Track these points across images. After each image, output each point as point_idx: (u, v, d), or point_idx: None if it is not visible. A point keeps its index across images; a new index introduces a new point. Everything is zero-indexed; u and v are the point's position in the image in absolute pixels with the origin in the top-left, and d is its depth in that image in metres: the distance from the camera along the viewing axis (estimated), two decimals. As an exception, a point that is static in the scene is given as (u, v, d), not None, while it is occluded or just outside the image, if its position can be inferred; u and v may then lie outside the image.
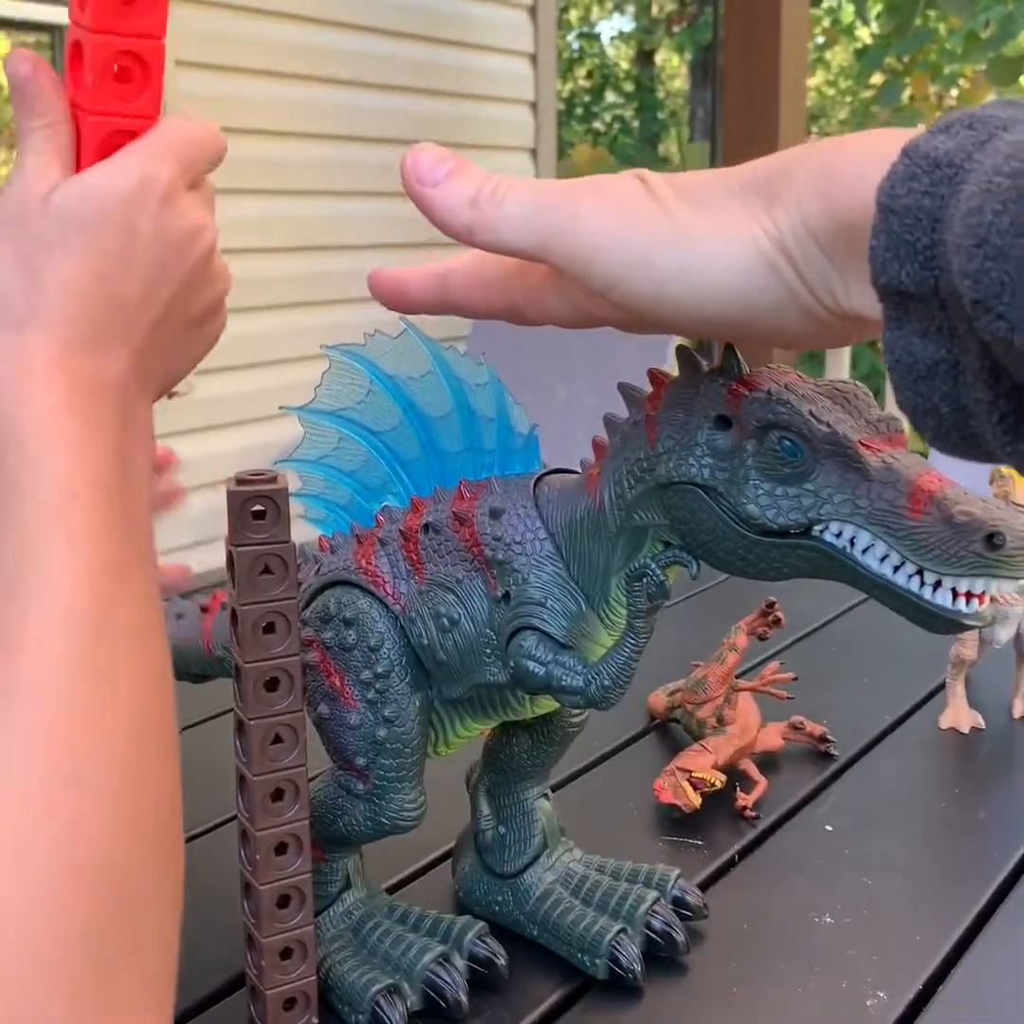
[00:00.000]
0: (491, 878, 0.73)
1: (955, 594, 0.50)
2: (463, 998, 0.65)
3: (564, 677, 0.59)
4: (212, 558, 0.82)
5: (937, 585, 0.50)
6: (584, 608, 0.60)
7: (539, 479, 0.64)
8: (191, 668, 0.76)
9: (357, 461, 0.67)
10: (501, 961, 0.67)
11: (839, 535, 0.52)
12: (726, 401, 0.54)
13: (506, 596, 0.61)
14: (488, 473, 0.65)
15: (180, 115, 0.56)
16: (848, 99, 7.64)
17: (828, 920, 0.73)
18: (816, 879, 0.78)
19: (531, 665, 0.60)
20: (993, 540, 0.48)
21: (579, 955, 0.69)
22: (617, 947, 0.68)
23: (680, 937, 0.69)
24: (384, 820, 0.65)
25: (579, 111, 9.07)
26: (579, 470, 0.63)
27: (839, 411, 0.53)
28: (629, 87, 9.49)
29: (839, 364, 3.03)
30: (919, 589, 0.50)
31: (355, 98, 2.86)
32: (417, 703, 0.64)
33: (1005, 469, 0.93)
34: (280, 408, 0.69)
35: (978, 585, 0.50)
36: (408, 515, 0.66)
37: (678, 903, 0.72)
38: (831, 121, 8.09)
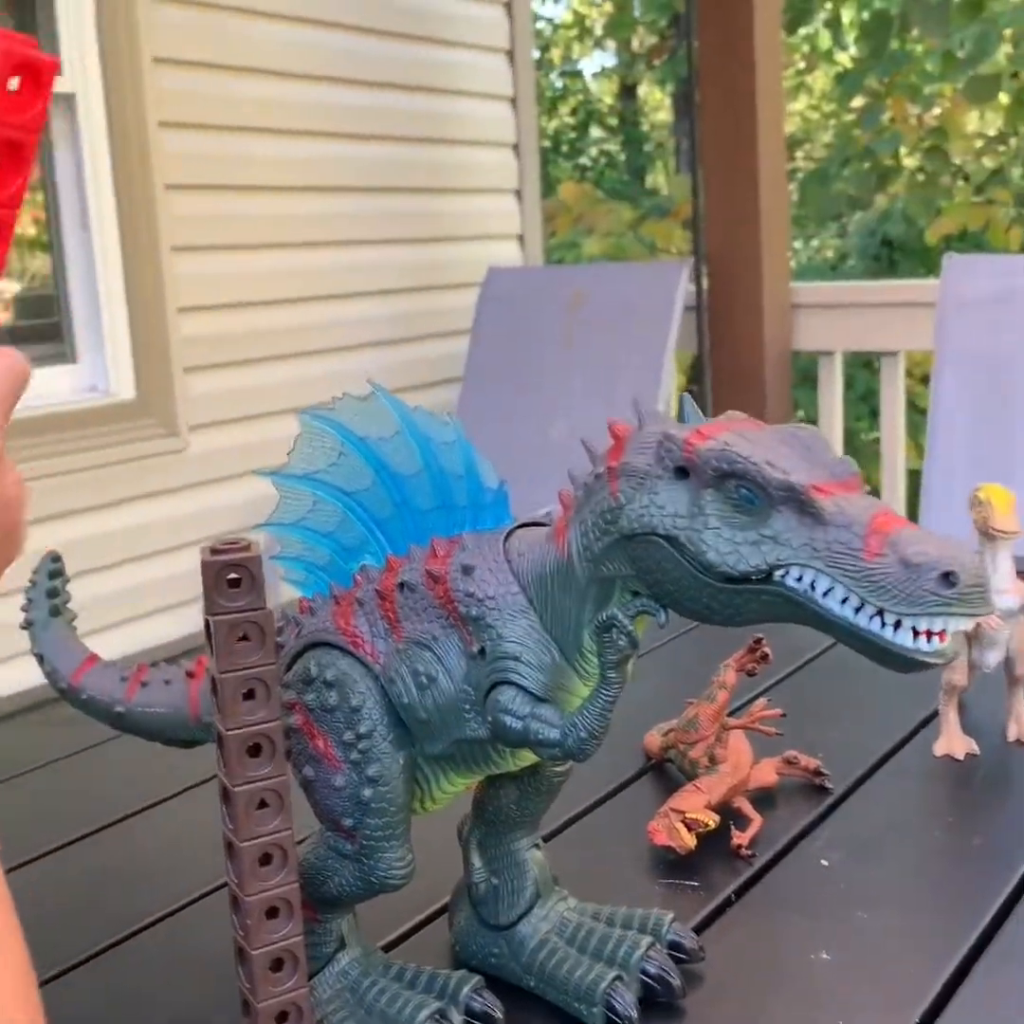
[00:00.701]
0: (486, 930, 0.73)
1: (915, 633, 0.51)
2: None
3: (541, 731, 0.60)
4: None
5: (897, 625, 0.51)
6: (559, 660, 0.61)
7: (509, 533, 0.65)
8: (179, 735, 0.76)
9: (333, 522, 0.68)
10: (498, 1014, 0.67)
11: (799, 579, 0.53)
12: (683, 452, 0.55)
13: (482, 652, 0.61)
14: (460, 529, 0.66)
15: None
16: (832, 122, 7.69)
17: (825, 956, 0.73)
18: (812, 915, 0.78)
19: (508, 720, 0.60)
20: (949, 579, 0.49)
21: (575, 1004, 0.69)
22: (612, 995, 0.68)
23: (676, 981, 0.69)
24: (373, 879, 0.65)
25: (565, 148, 9.15)
26: (547, 523, 0.64)
27: (794, 457, 0.54)
28: (613, 122, 9.57)
29: (831, 385, 3.04)
30: (880, 629, 0.51)
31: (336, 149, 2.88)
32: (401, 761, 0.65)
33: (983, 494, 0.94)
34: (253, 473, 0.70)
35: (937, 624, 0.50)
36: (384, 574, 0.66)
37: (674, 946, 0.72)
38: (817, 146, 8.14)
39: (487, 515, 0.67)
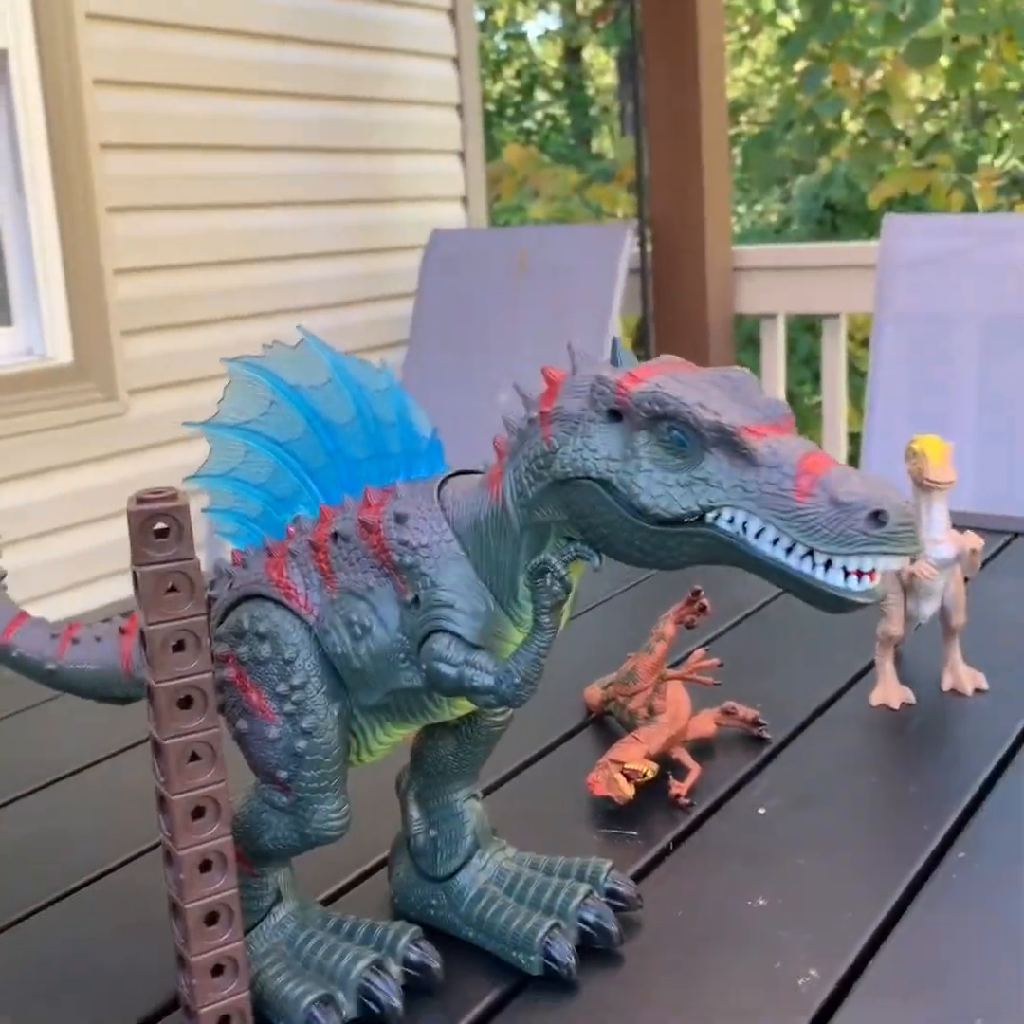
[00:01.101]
0: (425, 882, 0.73)
1: (846, 573, 0.51)
2: (398, 1004, 0.65)
3: (475, 677, 0.59)
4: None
5: (828, 565, 0.51)
6: (493, 608, 0.61)
7: (443, 481, 0.64)
8: (112, 691, 0.75)
9: (265, 473, 0.67)
10: (435, 965, 0.67)
11: (731, 521, 0.53)
12: (615, 395, 0.55)
13: (416, 600, 0.61)
14: (394, 478, 0.65)
15: None
16: (775, 87, 7.70)
17: (762, 902, 0.74)
18: (750, 862, 0.78)
19: (443, 667, 0.60)
20: (878, 517, 0.49)
21: (513, 953, 0.69)
22: (550, 943, 0.68)
23: (613, 929, 0.70)
24: (309, 831, 0.65)
25: (510, 112, 9.08)
26: (482, 471, 0.63)
27: (725, 399, 0.54)
28: (558, 85, 9.51)
29: (774, 347, 3.05)
30: (811, 570, 0.51)
31: (275, 109, 2.85)
32: (335, 713, 0.64)
33: (917, 446, 0.94)
34: (183, 424, 0.69)
35: (867, 563, 0.51)
36: (317, 525, 0.66)
37: (612, 895, 0.72)
38: (760, 110, 8.15)
39: (421, 464, 0.66)
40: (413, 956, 0.67)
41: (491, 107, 7.43)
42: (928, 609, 1.00)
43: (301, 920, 0.69)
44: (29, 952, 0.75)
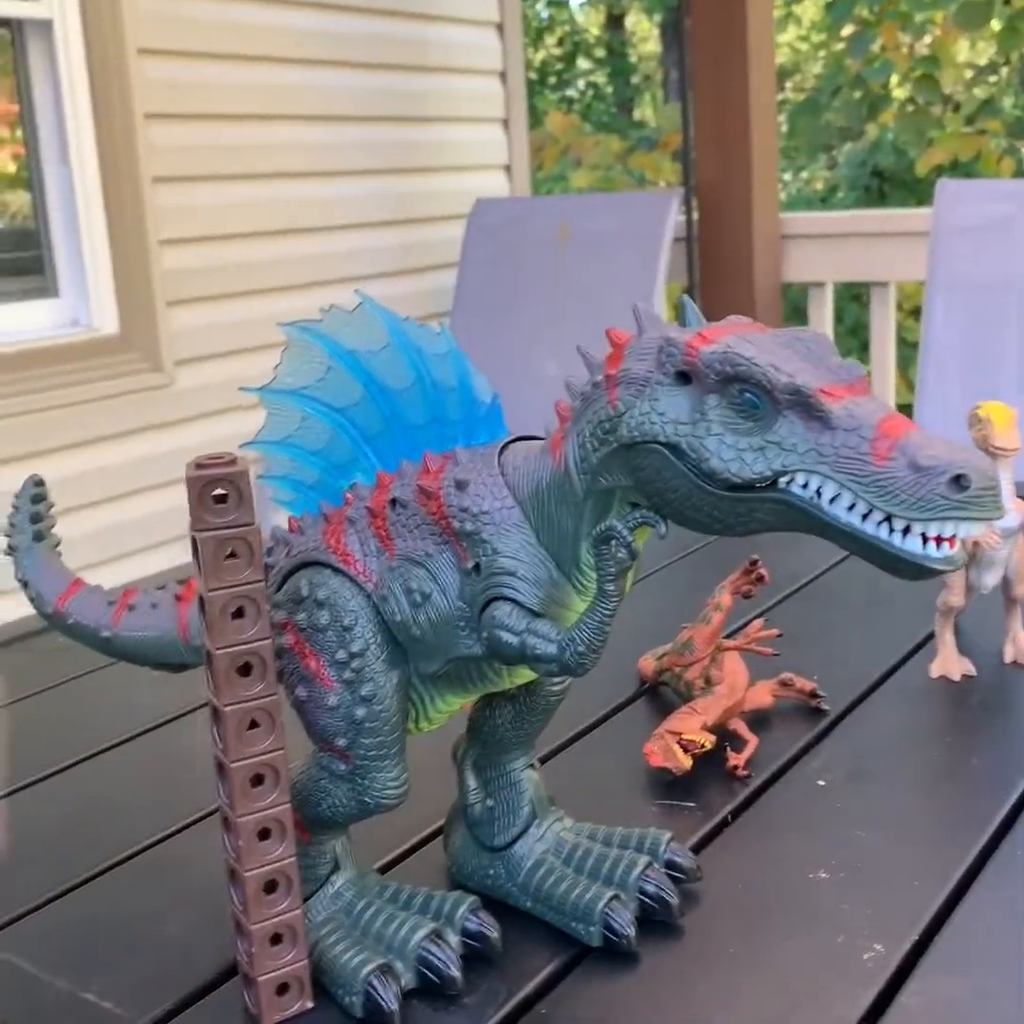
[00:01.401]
0: (482, 852, 0.73)
1: (925, 539, 0.50)
2: (457, 973, 0.64)
3: (538, 646, 0.58)
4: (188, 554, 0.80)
5: (906, 531, 0.50)
6: (555, 575, 0.60)
7: (504, 447, 0.63)
8: (168, 658, 0.75)
9: (322, 439, 0.66)
10: (494, 934, 0.67)
11: (805, 486, 0.51)
12: (684, 356, 0.53)
13: (476, 567, 0.60)
14: (453, 444, 0.64)
15: None
16: (821, 53, 7.59)
17: (823, 875, 0.73)
18: (810, 835, 0.77)
19: (504, 635, 0.59)
20: (960, 482, 0.48)
21: (573, 924, 0.68)
22: (610, 914, 0.67)
23: (673, 900, 0.69)
24: (367, 799, 0.64)
25: (552, 80, 9.01)
26: (543, 437, 0.62)
27: (798, 360, 0.52)
28: (600, 53, 9.42)
29: (821, 316, 3.02)
30: (888, 536, 0.50)
31: (319, 77, 2.83)
32: (394, 680, 0.64)
33: (982, 412, 0.92)
34: (239, 389, 0.68)
35: (947, 529, 0.49)
36: (375, 492, 0.65)
37: (671, 866, 0.71)
38: (807, 77, 8.04)
39: (481, 429, 0.65)
40: (471, 926, 0.67)
41: (533, 76, 7.37)
42: (991, 579, 0.98)
43: (359, 889, 0.69)
44: (89, 918, 0.75)
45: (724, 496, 0.53)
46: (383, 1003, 0.63)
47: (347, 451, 0.66)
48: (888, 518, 0.50)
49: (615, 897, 0.68)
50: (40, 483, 0.80)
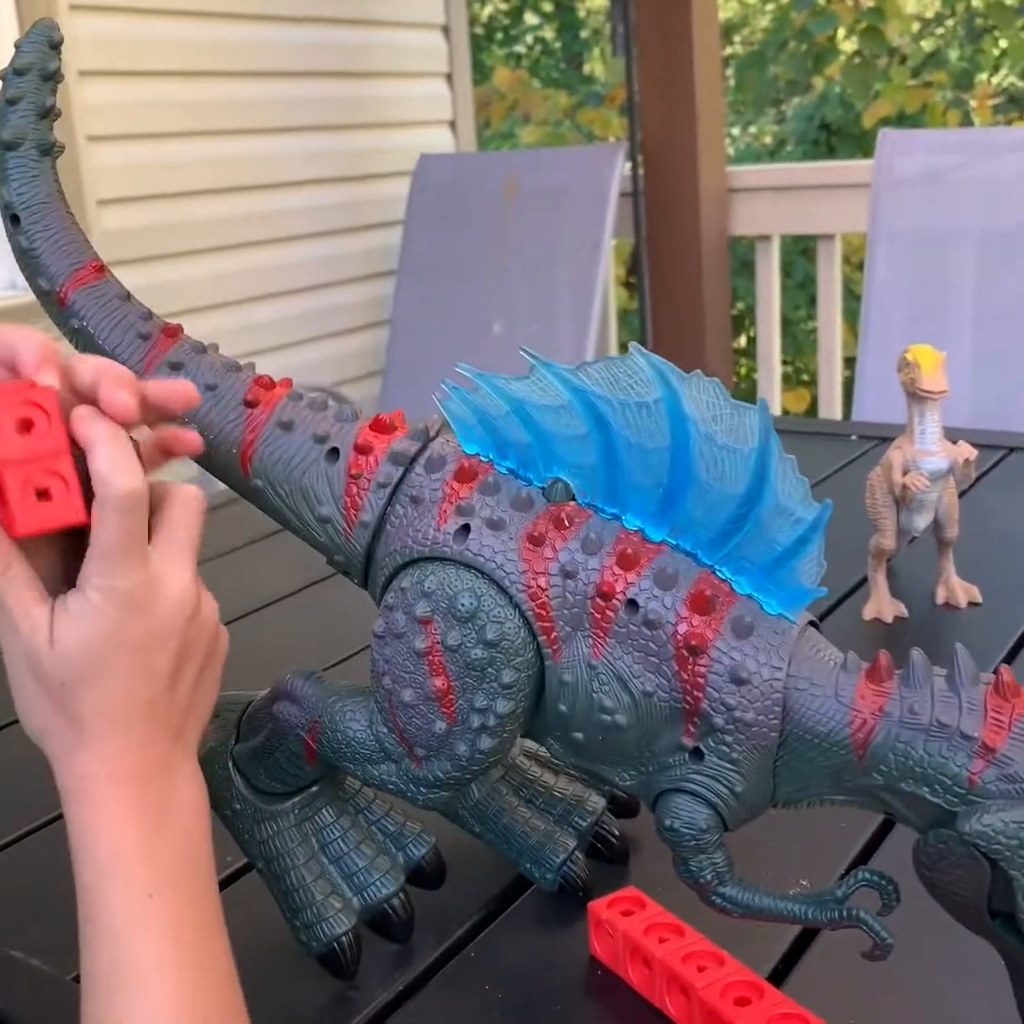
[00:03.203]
0: None
1: None
2: (406, 934, 0.65)
3: (702, 871, 0.55)
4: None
5: None
6: (766, 802, 0.56)
7: (800, 636, 0.54)
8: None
9: (568, 430, 0.55)
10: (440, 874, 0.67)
11: None
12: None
13: (697, 753, 0.54)
14: (734, 570, 0.54)
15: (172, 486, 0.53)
16: (769, 6, 7.55)
17: (754, 815, 0.74)
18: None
19: (684, 840, 0.55)
20: None
21: (528, 865, 0.68)
22: (571, 864, 0.68)
23: (620, 846, 0.71)
24: (409, 794, 0.60)
25: (499, 36, 8.91)
26: (830, 644, 0.55)
27: None
28: (548, 8, 9.33)
29: (768, 270, 3.02)
30: None
31: (257, 33, 2.79)
32: (515, 738, 0.59)
33: (910, 356, 0.93)
34: (522, 349, 0.56)
35: None
36: (614, 562, 0.54)
37: (613, 800, 0.72)
38: (754, 31, 8.00)
39: (774, 580, 0.53)
40: (420, 863, 0.67)
41: (479, 31, 7.29)
42: (921, 522, 0.99)
43: (337, 809, 0.66)
44: (15, 877, 0.75)
45: (987, 922, 0.51)
46: (343, 965, 0.63)
47: (585, 460, 0.55)
48: None
49: (575, 850, 0.68)
50: (56, 27, 0.63)
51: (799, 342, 5.09)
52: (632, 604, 0.54)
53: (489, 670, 0.55)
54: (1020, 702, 0.51)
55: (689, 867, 0.56)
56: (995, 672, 0.52)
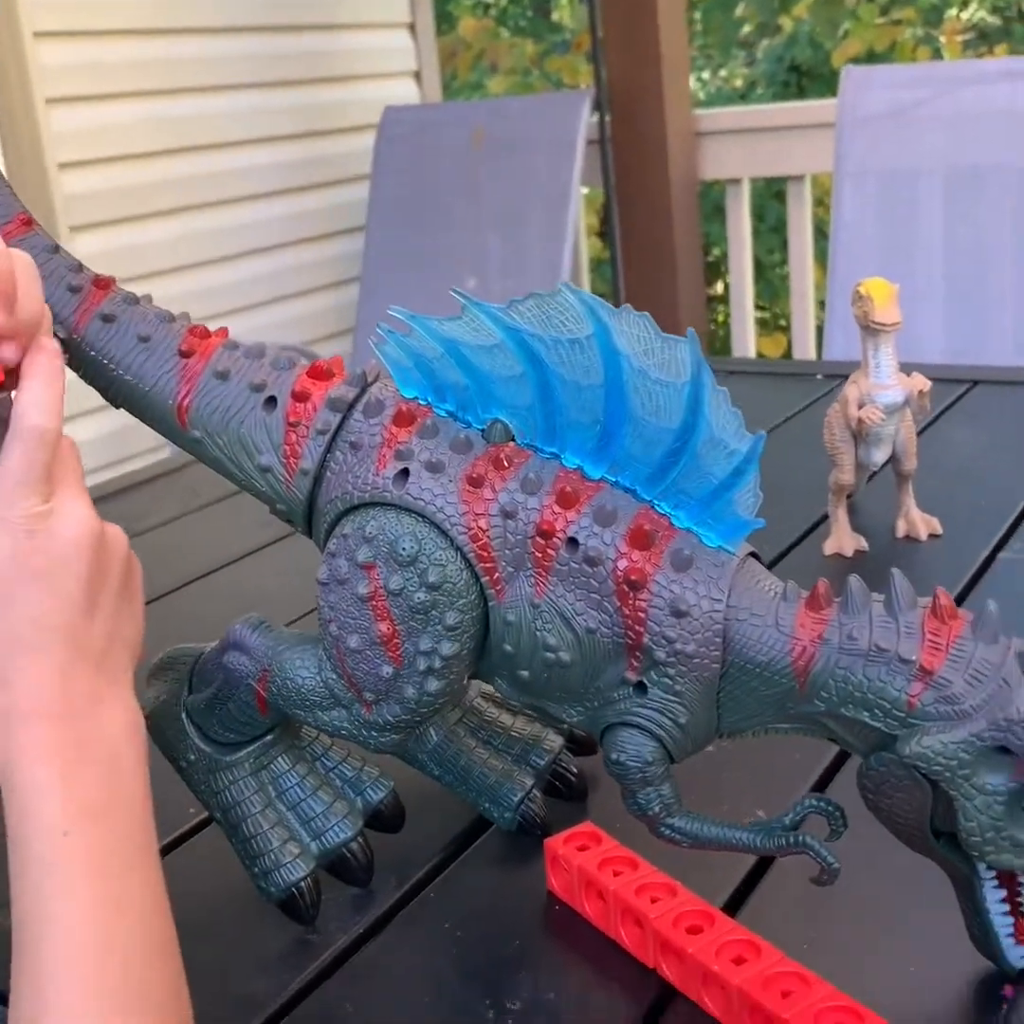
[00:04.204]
0: None
1: None
2: (366, 879, 0.66)
3: (652, 803, 0.56)
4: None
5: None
6: (712, 732, 0.56)
7: (739, 567, 0.54)
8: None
9: (502, 371, 0.55)
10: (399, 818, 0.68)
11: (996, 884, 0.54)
12: None
13: (641, 686, 0.55)
14: (673, 504, 0.54)
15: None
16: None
17: (708, 748, 0.74)
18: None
19: (631, 772, 0.55)
20: None
21: (486, 804, 0.69)
22: (529, 803, 0.68)
23: (579, 784, 0.71)
24: (362, 739, 0.60)
25: (465, -15, 8.79)
26: (768, 569, 0.55)
27: None
28: (514, -45, 9.20)
29: (739, 214, 3.00)
30: (1008, 935, 0.55)
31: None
32: (463, 680, 0.59)
33: (863, 289, 0.93)
34: (453, 291, 0.56)
35: None
36: (553, 501, 0.54)
37: (572, 739, 0.73)
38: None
39: (711, 511, 0.53)
40: (384, 813, 0.67)
41: (445, -19, 7.19)
42: (879, 456, 0.99)
43: (294, 757, 0.66)
44: None
45: (928, 835, 0.52)
46: (303, 909, 0.64)
47: (523, 399, 0.55)
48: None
49: (532, 788, 0.69)
50: None
51: (775, 287, 5.07)
52: (572, 542, 0.54)
53: (433, 613, 0.55)
54: (957, 625, 0.51)
55: (637, 800, 0.56)
56: (933, 596, 0.52)
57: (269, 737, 0.65)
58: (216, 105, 2.79)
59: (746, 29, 5.95)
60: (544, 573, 0.54)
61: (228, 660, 0.62)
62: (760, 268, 4.85)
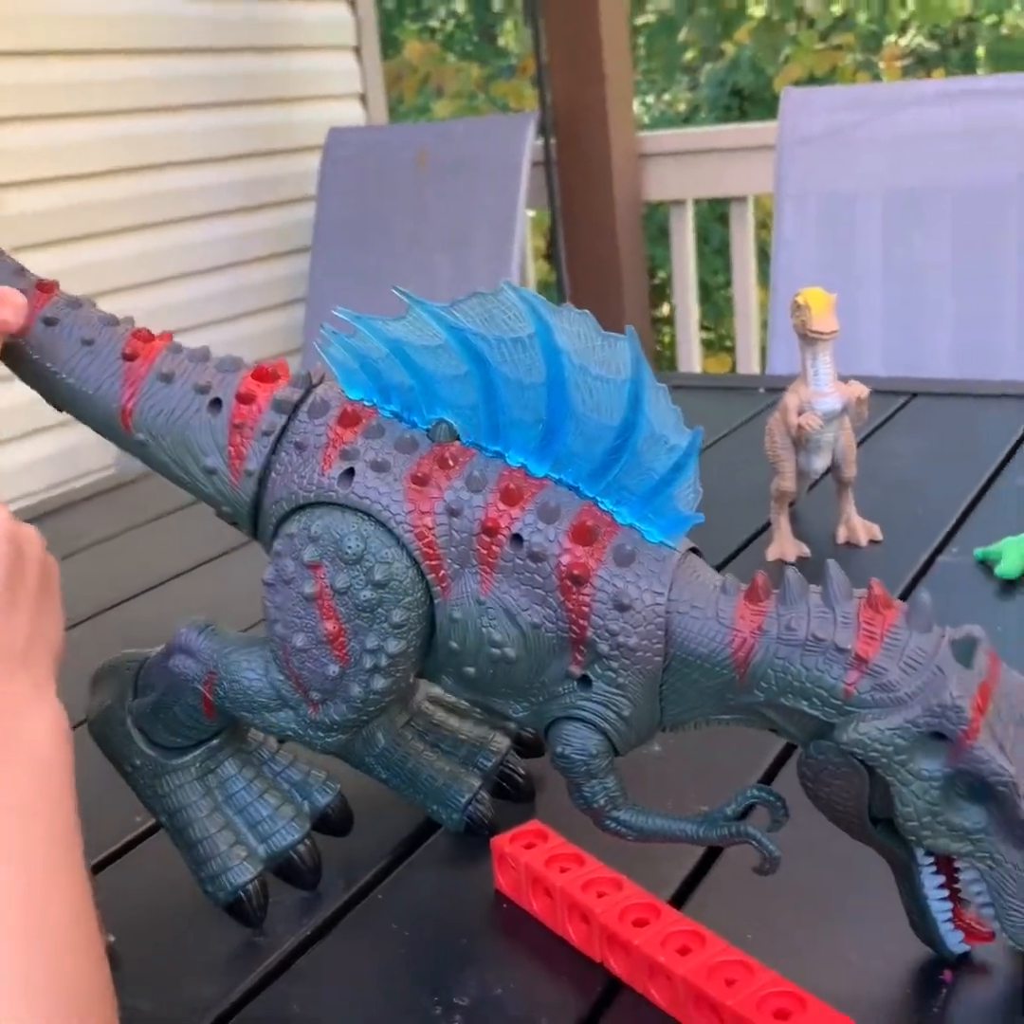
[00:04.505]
0: None
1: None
2: (314, 881, 0.66)
3: (597, 796, 0.56)
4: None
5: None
6: (655, 724, 0.57)
7: (680, 562, 0.54)
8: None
9: (446, 370, 0.56)
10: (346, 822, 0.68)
11: (934, 870, 0.55)
12: (959, 737, 0.50)
13: (585, 680, 0.55)
14: (615, 500, 0.55)
15: None
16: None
17: (656, 749, 0.75)
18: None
19: (576, 766, 0.56)
20: None
21: (434, 807, 0.69)
22: (476, 804, 0.69)
23: (526, 785, 0.72)
24: (309, 740, 0.60)
25: (411, 9, 8.84)
26: (710, 568, 0.56)
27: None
28: (459, -19, 9.26)
29: (683, 235, 3.03)
30: (944, 924, 0.56)
31: (158, 7, 2.75)
32: (410, 678, 0.59)
33: (801, 298, 0.94)
34: (394, 288, 0.57)
35: None
36: (497, 499, 0.55)
37: (519, 741, 0.73)
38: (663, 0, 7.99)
39: (653, 505, 0.54)
40: (326, 810, 0.67)
41: (390, 6, 7.22)
42: (819, 463, 1.00)
43: (241, 761, 0.66)
44: None
45: (867, 821, 0.53)
46: (250, 912, 0.64)
47: (467, 400, 0.56)
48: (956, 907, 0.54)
49: (480, 789, 0.69)
50: None
51: (720, 308, 5.13)
52: (517, 538, 0.54)
53: (379, 611, 0.56)
54: (891, 614, 0.52)
55: (582, 793, 0.57)
56: (868, 587, 0.53)
57: (215, 741, 0.65)
58: (161, 126, 2.78)
59: (689, 55, 6.03)
60: (489, 570, 0.55)
61: (174, 664, 0.62)
62: (706, 290, 4.90)
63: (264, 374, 0.60)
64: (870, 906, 0.60)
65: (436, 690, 0.73)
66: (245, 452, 0.59)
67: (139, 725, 0.64)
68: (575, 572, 0.54)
